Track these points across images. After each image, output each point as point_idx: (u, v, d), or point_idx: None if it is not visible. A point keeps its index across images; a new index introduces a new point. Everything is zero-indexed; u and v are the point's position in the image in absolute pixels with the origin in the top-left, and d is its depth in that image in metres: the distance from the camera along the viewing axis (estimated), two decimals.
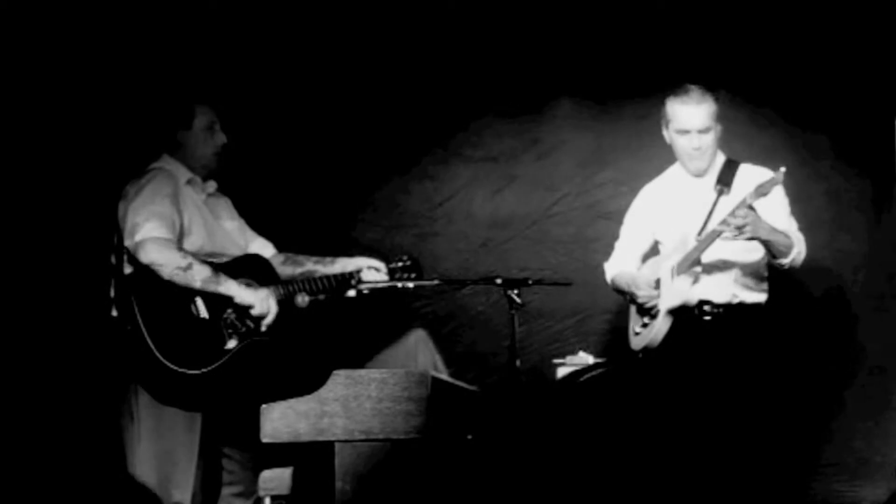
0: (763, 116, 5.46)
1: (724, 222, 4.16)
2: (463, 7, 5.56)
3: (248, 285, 4.25)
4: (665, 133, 4.49)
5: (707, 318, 4.37)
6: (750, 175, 4.38)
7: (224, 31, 5.44)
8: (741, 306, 4.39)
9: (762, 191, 4.08)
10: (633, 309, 4.62)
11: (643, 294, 4.45)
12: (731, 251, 4.35)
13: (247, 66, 5.49)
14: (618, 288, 4.66)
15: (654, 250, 4.66)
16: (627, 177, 5.59)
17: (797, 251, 4.32)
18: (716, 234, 4.22)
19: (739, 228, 4.12)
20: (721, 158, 4.49)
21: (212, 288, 4.15)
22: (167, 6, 5.33)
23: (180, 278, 4.10)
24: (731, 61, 5.45)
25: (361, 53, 5.60)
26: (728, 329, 4.35)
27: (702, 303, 4.38)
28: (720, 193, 4.38)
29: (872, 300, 5.47)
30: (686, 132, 4.38)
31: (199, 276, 4.13)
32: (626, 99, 5.58)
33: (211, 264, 4.21)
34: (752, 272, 4.41)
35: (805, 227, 4.52)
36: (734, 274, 4.39)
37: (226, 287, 4.19)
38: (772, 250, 4.30)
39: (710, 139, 4.38)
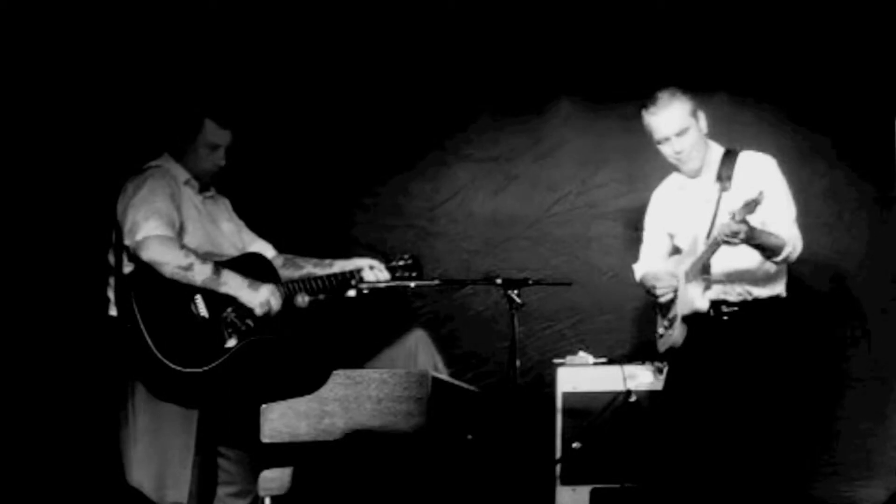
0: (764, 117, 5.46)
1: (717, 235, 4.12)
2: (463, 7, 5.56)
3: (249, 284, 4.24)
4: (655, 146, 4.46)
5: (724, 318, 4.35)
6: (749, 163, 4.34)
7: (224, 32, 5.44)
8: (756, 302, 4.36)
9: (748, 210, 4.02)
10: (658, 312, 4.60)
11: (663, 284, 4.42)
12: (739, 258, 4.31)
13: (247, 67, 5.49)
14: (643, 286, 4.62)
15: (677, 249, 4.62)
16: (627, 177, 5.60)
17: (789, 251, 4.27)
18: (716, 244, 4.18)
19: (731, 238, 4.09)
20: (718, 151, 4.43)
21: (213, 286, 4.15)
22: (166, 6, 5.33)
23: (181, 277, 4.09)
24: (732, 62, 5.45)
25: (361, 54, 5.60)
26: (742, 327, 4.33)
27: (717, 303, 4.35)
28: (722, 189, 4.35)
29: (873, 300, 5.47)
30: (665, 139, 4.33)
31: (200, 275, 4.12)
32: (626, 99, 5.56)
33: (213, 262, 4.21)
34: (764, 271, 4.37)
35: (806, 227, 4.50)
36: (746, 275, 4.35)
37: (227, 287, 4.17)
38: (763, 252, 4.28)
39: (689, 139, 4.32)
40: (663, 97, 4.31)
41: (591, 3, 5.55)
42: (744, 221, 4.03)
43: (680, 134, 4.31)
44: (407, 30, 5.59)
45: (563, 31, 5.60)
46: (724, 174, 4.33)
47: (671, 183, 4.57)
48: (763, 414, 4.25)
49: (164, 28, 5.33)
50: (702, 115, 4.36)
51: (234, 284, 4.18)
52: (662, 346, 4.51)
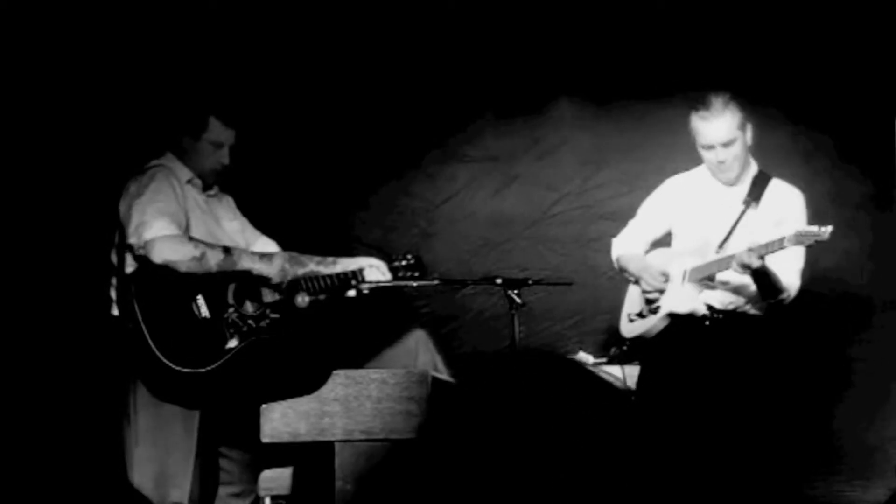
0: (764, 117, 5.44)
1: (736, 258, 4.09)
2: (463, 7, 5.56)
3: (261, 257, 4.27)
4: (697, 147, 4.41)
5: (707, 322, 4.34)
6: (779, 192, 4.30)
7: (227, 31, 5.44)
8: (742, 314, 4.35)
9: (801, 240, 3.95)
10: (631, 293, 4.57)
11: (653, 283, 4.40)
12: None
13: (248, 66, 5.48)
14: (623, 267, 4.58)
15: (664, 240, 4.60)
16: (627, 177, 5.59)
17: (783, 297, 4.25)
18: (726, 265, 4.16)
19: (741, 270, 4.07)
20: (754, 169, 4.38)
21: (229, 267, 4.18)
22: (168, 5, 5.33)
23: (197, 268, 4.11)
24: (732, 62, 5.44)
25: (362, 54, 5.60)
26: (727, 332, 4.32)
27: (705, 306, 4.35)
28: (747, 206, 4.30)
29: (873, 300, 5.47)
30: (710, 147, 4.27)
31: (213, 260, 4.15)
32: (625, 99, 5.57)
33: (223, 245, 4.23)
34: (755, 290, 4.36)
35: None
36: (739, 287, 4.34)
37: (242, 263, 4.22)
38: (760, 290, 4.25)
39: (734, 151, 4.25)
40: (717, 104, 4.23)
41: (590, 3, 5.55)
42: (761, 258, 4.01)
43: (727, 144, 4.25)
44: (408, 30, 5.58)
45: (563, 31, 5.59)
46: (754, 193, 4.29)
47: (695, 177, 4.50)
48: (745, 415, 4.24)
49: (167, 27, 5.32)
50: (749, 128, 4.30)
51: (247, 260, 4.25)
52: (631, 331, 4.47)
